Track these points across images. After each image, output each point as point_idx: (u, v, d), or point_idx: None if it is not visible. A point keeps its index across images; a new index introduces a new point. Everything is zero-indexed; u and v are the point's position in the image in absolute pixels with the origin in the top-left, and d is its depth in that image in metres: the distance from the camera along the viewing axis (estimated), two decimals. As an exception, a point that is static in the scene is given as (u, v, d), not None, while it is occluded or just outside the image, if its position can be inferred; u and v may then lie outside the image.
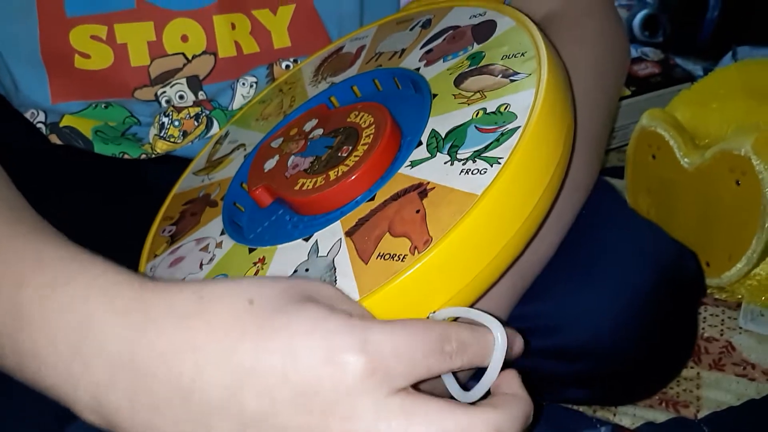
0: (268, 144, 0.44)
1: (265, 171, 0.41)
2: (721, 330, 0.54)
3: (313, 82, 0.48)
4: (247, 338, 0.25)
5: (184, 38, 0.47)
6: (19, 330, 0.27)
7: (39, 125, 0.47)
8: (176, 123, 0.48)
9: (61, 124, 0.47)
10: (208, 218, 0.41)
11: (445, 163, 0.33)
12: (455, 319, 0.29)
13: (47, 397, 0.28)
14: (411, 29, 0.46)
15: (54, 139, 0.47)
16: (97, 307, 0.27)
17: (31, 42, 0.45)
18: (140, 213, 0.45)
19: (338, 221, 0.34)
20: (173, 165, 0.47)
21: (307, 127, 0.43)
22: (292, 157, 0.41)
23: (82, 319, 0.27)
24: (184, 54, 0.48)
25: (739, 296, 0.56)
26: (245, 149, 0.46)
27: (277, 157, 0.42)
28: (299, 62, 0.52)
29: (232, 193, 0.43)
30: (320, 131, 0.41)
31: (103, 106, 0.47)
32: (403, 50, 0.44)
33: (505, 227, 0.30)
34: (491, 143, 0.32)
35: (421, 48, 0.43)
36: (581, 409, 0.50)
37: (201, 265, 0.38)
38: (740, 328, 0.54)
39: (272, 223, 0.40)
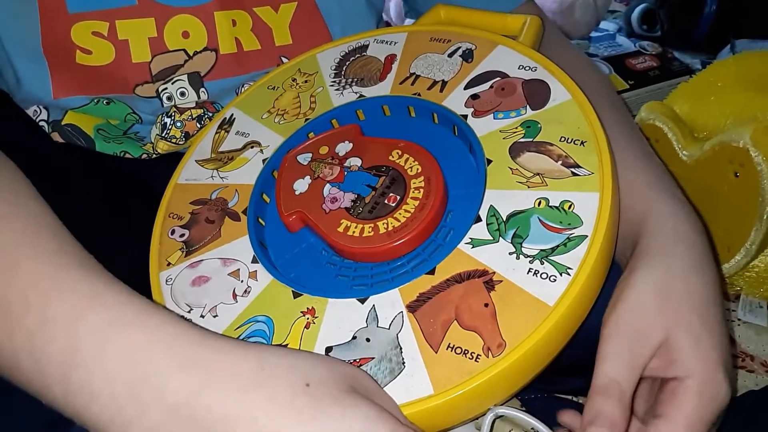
0: (293, 157, 0.42)
1: (297, 194, 0.40)
2: None
3: (335, 84, 0.46)
4: (304, 422, 0.27)
5: (185, 34, 0.47)
6: (74, 365, 0.28)
7: (42, 123, 0.46)
8: (178, 124, 0.48)
9: (64, 122, 0.45)
10: (232, 234, 0.40)
11: (510, 253, 0.34)
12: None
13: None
14: (449, 55, 0.45)
15: (56, 137, 0.46)
16: (158, 357, 0.28)
17: (33, 37, 0.44)
18: (142, 211, 0.42)
19: (396, 290, 0.35)
20: (176, 164, 0.45)
21: (341, 150, 0.42)
22: (328, 186, 0.40)
23: (142, 367, 0.28)
24: (185, 50, 0.47)
25: (738, 288, 0.56)
26: (261, 149, 0.44)
27: (308, 180, 0.41)
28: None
29: (254, 206, 0.41)
30: (358, 161, 0.41)
31: (104, 102, 0.46)
32: (444, 82, 0.43)
33: (568, 333, 0.33)
34: (558, 246, 0.34)
35: (466, 89, 0.42)
36: (580, 400, 0.50)
37: (235, 295, 0.37)
38: (739, 319, 0.53)
39: (303, 252, 0.40)
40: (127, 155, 0.47)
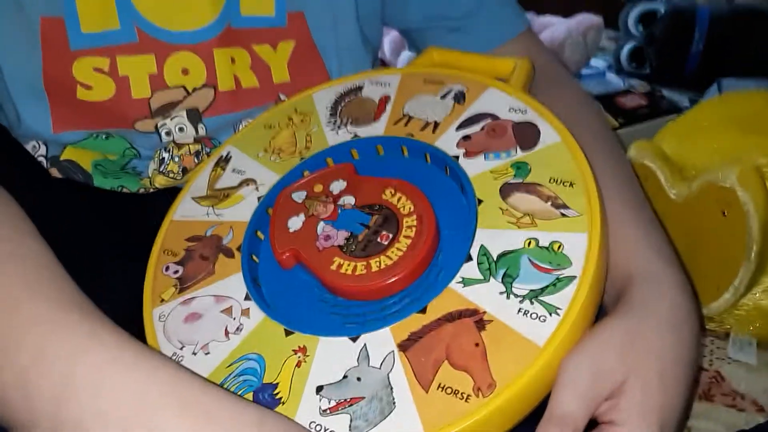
0: (288, 194, 0.43)
1: (291, 231, 0.41)
2: (711, 360, 0.53)
3: (331, 124, 0.47)
4: None
5: (185, 71, 0.48)
6: (66, 400, 0.28)
7: (40, 158, 0.46)
8: (176, 159, 0.48)
9: (62, 158, 0.46)
10: (225, 271, 0.41)
11: (500, 293, 0.35)
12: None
13: None
14: (442, 97, 0.46)
15: (54, 172, 0.47)
16: (157, 397, 0.28)
17: (34, 73, 0.44)
18: (139, 246, 0.43)
19: (388, 329, 0.35)
20: (173, 199, 0.46)
21: (335, 188, 0.42)
22: (322, 224, 0.41)
23: (139, 406, 0.28)
24: (184, 87, 0.48)
25: (728, 326, 0.56)
26: (256, 187, 0.45)
27: (302, 217, 0.41)
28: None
29: (248, 244, 0.42)
30: (351, 200, 0.41)
31: (103, 136, 0.47)
32: (437, 124, 0.44)
33: (556, 372, 0.33)
34: (548, 286, 0.34)
35: (457, 130, 0.43)
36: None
37: (227, 332, 0.37)
38: (729, 358, 0.53)
39: (297, 289, 0.40)
40: (125, 190, 0.48)
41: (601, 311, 0.37)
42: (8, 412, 0.29)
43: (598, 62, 1.05)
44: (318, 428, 0.32)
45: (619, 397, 0.33)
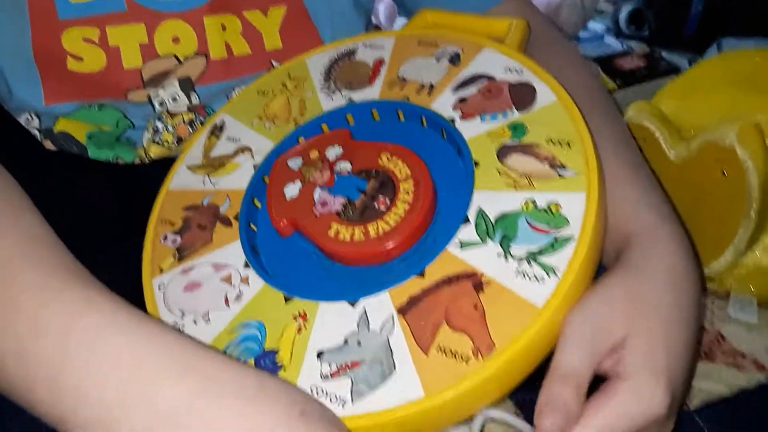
0: (284, 161, 0.43)
1: (288, 199, 0.41)
2: (711, 320, 0.53)
3: (325, 89, 0.46)
4: None
5: (176, 40, 0.47)
6: (63, 369, 0.28)
7: (33, 131, 0.46)
8: (170, 128, 0.48)
9: (56, 129, 0.45)
10: (223, 239, 0.40)
11: (498, 255, 0.35)
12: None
13: None
14: (437, 59, 0.45)
15: (48, 145, 0.46)
16: (156, 360, 0.28)
17: (23, 45, 0.44)
18: (136, 217, 0.43)
19: (387, 292, 0.35)
20: (169, 168, 0.45)
21: (331, 154, 0.42)
22: (318, 190, 0.40)
23: (137, 369, 0.28)
24: (176, 56, 0.47)
25: (728, 286, 0.56)
26: (252, 155, 0.44)
27: (299, 184, 0.41)
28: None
29: (245, 212, 0.42)
30: (347, 166, 0.41)
31: (96, 107, 0.46)
32: (432, 86, 0.44)
33: (557, 334, 0.33)
34: (546, 247, 0.34)
35: (453, 92, 0.43)
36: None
37: (227, 300, 0.37)
38: (730, 317, 0.53)
39: (295, 256, 0.40)
40: (120, 161, 0.47)
41: (600, 271, 0.37)
42: (7, 380, 0.29)
43: (596, 25, 1.04)
44: (319, 392, 0.32)
45: (623, 351, 0.33)
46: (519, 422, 0.33)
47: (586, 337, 0.32)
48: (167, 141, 0.48)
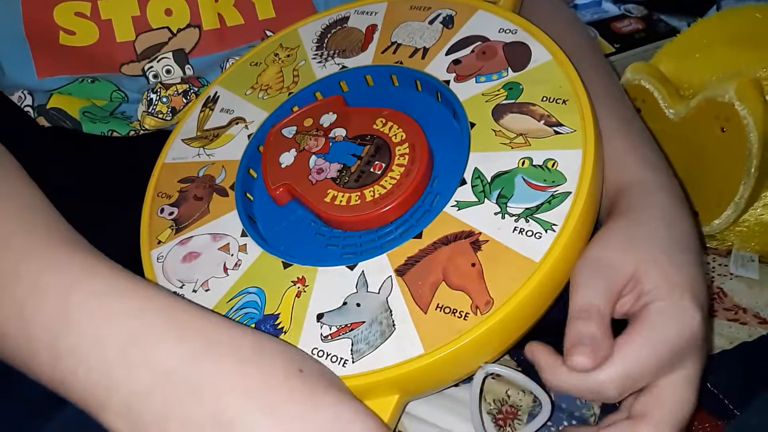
0: (278, 131, 0.42)
1: (283, 167, 0.41)
2: (713, 277, 0.53)
3: (317, 57, 0.46)
4: (296, 400, 0.27)
5: (168, 12, 0.47)
6: (63, 331, 0.28)
7: (27, 109, 0.45)
8: (164, 99, 0.48)
9: (49, 106, 0.45)
10: (220, 210, 0.40)
11: (495, 213, 0.35)
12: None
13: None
14: (430, 22, 0.45)
15: (42, 121, 0.45)
16: (155, 322, 0.28)
17: (14, 20, 0.43)
18: (133, 191, 0.43)
19: (385, 255, 0.35)
20: (164, 140, 0.45)
21: (325, 121, 0.42)
22: (314, 157, 0.40)
23: (137, 331, 0.28)
24: (168, 28, 0.47)
25: (729, 243, 0.55)
26: (246, 125, 0.44)
27: (294, 152, 0.41)
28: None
29: (241, 181, 0.41)
30: (342, 132, 0.41)
31: (89, 80, 0.46)
32: (426, 49, 0.43)
33: (555, 289, 0.33)
34: (543, 204, 0.34)
35: (447, 54, 0.42)
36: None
37: (226, 269, 0.37)
38: (731, 274, 0.53)
39: (292, 224, 0.40)
40: (115, 134, 0.47)
41: (598, 228, 0.37)
42: (8, 347, 0.29)
43: (593, -9, 1.02)
44: (320, 354, 0.32)
45: (639, 285, 0.32)
46: (519, 376, 0.33)
47: (597, 277, 0.32)
48: (162, 112, 0.48)
